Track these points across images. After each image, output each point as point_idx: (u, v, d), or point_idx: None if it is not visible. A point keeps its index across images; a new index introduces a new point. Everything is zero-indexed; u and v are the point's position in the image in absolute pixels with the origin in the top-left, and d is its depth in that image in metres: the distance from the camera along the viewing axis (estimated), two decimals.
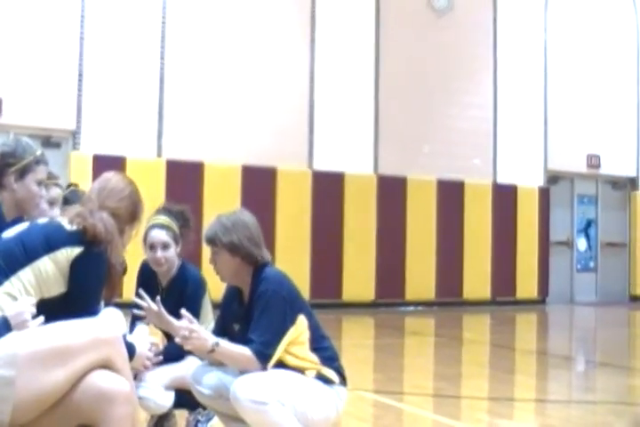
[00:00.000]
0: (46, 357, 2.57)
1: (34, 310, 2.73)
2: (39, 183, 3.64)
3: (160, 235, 4.25)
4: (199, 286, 4.33)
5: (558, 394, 6.57)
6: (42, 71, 11.87)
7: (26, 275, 2.90)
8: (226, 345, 3.46)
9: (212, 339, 3.43)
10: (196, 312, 4.26)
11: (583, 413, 5.61)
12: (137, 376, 3.55)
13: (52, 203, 4.20)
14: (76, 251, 2.96)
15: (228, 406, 3.49)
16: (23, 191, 3.60)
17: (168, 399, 4.08)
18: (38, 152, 3.67)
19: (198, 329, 3.44)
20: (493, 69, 15.65)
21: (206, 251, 3.72)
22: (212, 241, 3.66)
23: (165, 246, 4.25)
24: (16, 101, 11.73)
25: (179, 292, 4.28)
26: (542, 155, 16.10)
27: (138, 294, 4.41)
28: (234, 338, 3.71)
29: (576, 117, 16.41)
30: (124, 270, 4.36)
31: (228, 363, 3.54)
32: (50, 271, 2.93)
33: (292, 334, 3.50)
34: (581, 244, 16.88)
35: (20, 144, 3.65)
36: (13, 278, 2.89)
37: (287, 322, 3.51)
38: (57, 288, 2.95)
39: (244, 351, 3.43)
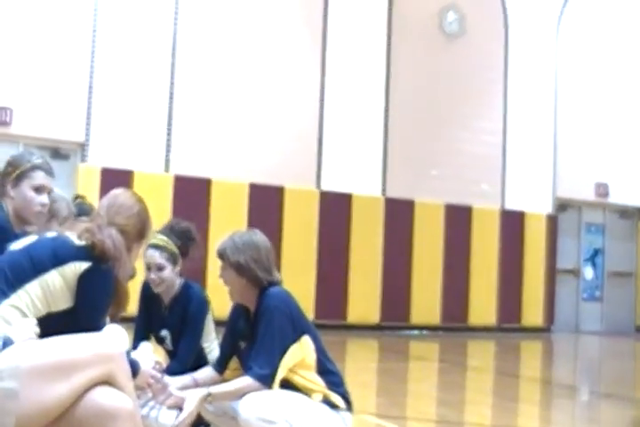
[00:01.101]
0: (49, 370, 2.54)
1: (37, 330, 2.69)
2: (36, 189, 3.57)
3: (154, 256, 4.19)
4: (202, 305, 4.28)
5: (561, 424, 6.49)
6: (52, 83, 11.92)
7: (33, 288, 2.86)
8: (219, 390, 3.47)
9: (202, 394, 3.43)
10: (198, 331, 4.22)
11: None
12: (140, 394, 3.49)
13: (52, 215, 4.09)
14: (83, 266, 2.92)
15: (233, 423, 3.48)
16: (19, 198, 3.54)
17: (170, 418, 4.02)
18: (37, 160, 3.60)
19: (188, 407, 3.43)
20: (504, 95, 15.65)
21: (211, 268, 3.69)
22: (221, 256, 3.68)
23: (160, 268, 4.20)
24: (26, 112, 11.77)
25: (182, 310, 4.24)
26: (551, 182, 16.07)
27: (140, 312, 4.36)
28: (240, 355, 3.72)
29: (585, 145, 16.40)
30: (133, 275, 4.29)
31: (234, 399, 3.49)
32: (57, 285, 2.89)
33: (296, 352, 3.48)
34: (588, 273, 16.79)
35: (22, 154, 3.62)
36: (21, 291, 2.85)
37: (289, 337, 3.50)
38: (64, 303, 2.91)
39: (242, 382, 3.44)
